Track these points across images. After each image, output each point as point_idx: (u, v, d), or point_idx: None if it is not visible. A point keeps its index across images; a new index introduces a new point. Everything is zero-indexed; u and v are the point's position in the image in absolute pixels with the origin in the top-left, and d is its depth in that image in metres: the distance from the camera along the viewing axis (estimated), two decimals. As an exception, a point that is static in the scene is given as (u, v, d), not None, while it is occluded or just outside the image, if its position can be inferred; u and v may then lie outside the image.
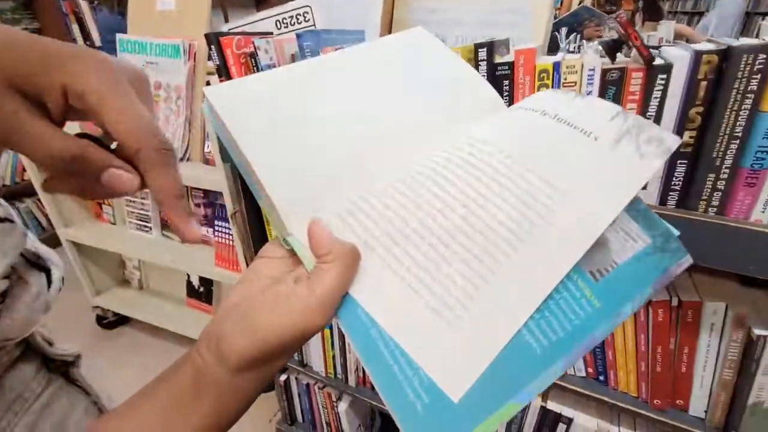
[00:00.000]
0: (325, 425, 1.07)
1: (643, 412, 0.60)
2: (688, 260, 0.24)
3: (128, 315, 1.54)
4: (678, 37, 1.78)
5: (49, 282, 0.28)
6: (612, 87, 0.48)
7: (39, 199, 1.93)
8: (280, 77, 0.27)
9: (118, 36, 1.18)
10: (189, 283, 1.47)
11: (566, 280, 0.22)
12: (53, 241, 1.99)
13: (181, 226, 0.21)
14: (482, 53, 0.51)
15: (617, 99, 0.48)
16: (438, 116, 0.28)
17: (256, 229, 0.84)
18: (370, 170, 0.25)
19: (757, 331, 0.50)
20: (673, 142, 0.23)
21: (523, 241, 0.22)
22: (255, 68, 0.66)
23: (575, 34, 1.09)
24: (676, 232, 0.24)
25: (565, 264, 0.22)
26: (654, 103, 0.46)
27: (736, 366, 0.53)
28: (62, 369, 0.30)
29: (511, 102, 0.53)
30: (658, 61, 0.45)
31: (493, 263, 0.22)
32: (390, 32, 0.85)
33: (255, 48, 0.64)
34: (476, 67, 0.52)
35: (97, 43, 1.94)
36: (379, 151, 0.26)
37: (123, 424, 0.20)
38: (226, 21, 3.13)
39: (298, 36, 0.62)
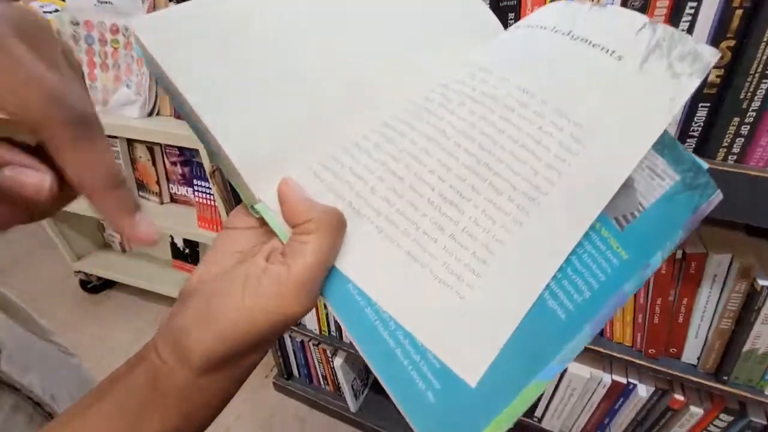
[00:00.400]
0: (321, 379, 1.09)
1: (636, 360, 0.61)
2: (718, 196, 0.22)
3: (113, 279, 1.51)
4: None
5: None
6: (632, 18, 0.42)
7: None
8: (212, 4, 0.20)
9: None
10: (173, 245, 1.43)
11: (590, 232, 0.19)
12: None
13: (121, 222, 0.15)
14: (485, -21, 0.44)
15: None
16: (430, 41, 0.23)
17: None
18: (350, 111, 0.20)
19: (761, 282, 0.49)
20: (711, 55, 0.19)
21: (540, 191, 0.18)
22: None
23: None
24: (705, 165, 0.21)
25: (589, 214, 0.18)
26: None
27: (734, 316, 0.53)
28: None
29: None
30: (687, -14, 0.39)
31: (506, 220, 0.18)
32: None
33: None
34: None
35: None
36: (359, 86, 0.21)
37: None
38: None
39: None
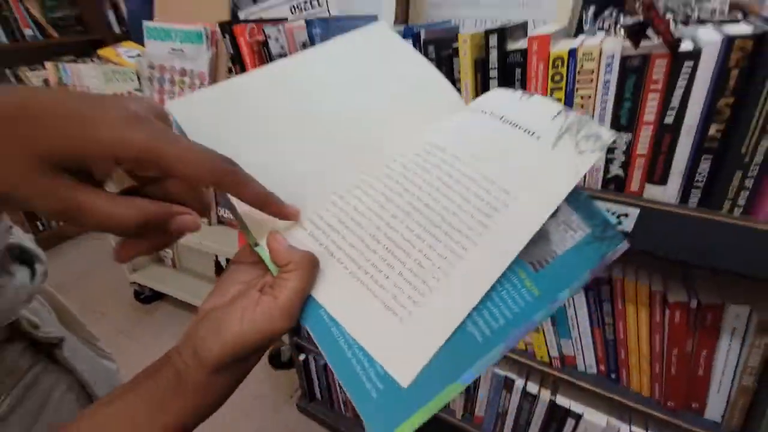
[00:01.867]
0: (342, 404, 1.11)
1: (656, 413, 0.58)
2: (624, 246, 0.25)
3: (163, 291, 1.64)
4: (734, 7, 1.62)
5: (33, 275, 0.31)
6: (633, 75, 0.44)
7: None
8: (240, 85, 0.27)
9: (145, 23, 1.21)
10: (217, 263, 1.54)
11: (508, 272, 0.23)
12: (53, 241, 2.13)
13: (285, 211, 0.23)
14: (493, 40, 0.49)
15: (638, 88, 0.45)
16: (399, 118, 0.29)
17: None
18: (330, 177, 0.26)
19: (783, 339, 0.47)
20: (609, 137, 0.24)
21: (469, 239, 0.23)
22: (267, 57, 0.67)
23: (614, 9, 1.01)
24: (614, 221, 0.25)
25: (505, 260, 0.23)
26: (678, 93, 0.42)
27: (756, 373, 0.50)
28: (48, 351, 0.33)
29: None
30: (685, 47, 0.41)
31: (441, 262, 0.23)
32: (407, 15, 0.82)
33: (266, 36, 0.64)
34: (487, 54, 0.50)
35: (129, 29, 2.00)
36: (340, 156, 0.26)
37: (110, 409, 0.22)
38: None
39: (308, 23, 0.61)
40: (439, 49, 0.53)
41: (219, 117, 0.25)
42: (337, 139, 0.27)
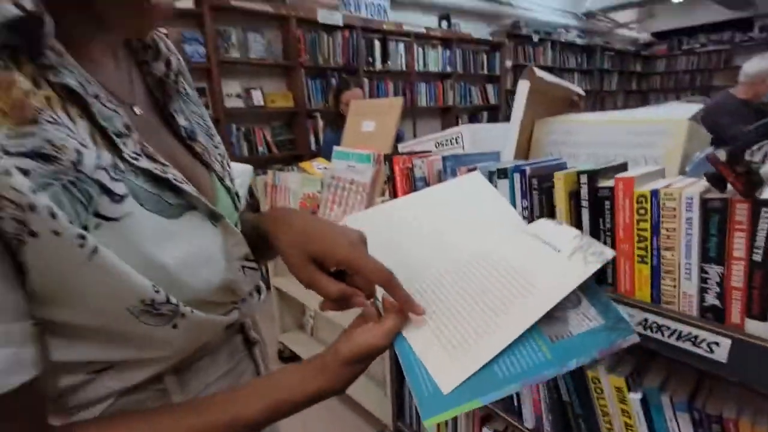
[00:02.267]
0: None
1: None
2: (634, 338, 0.32)
3: (300, 354, 1.91)
4: None
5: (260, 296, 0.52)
6: (716, 214, 0.50)
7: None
8: (386, 209, 0.47)
9: (335, 147, 1.68)
10: (345, 338, 1.76)
11: (530, 337, 0.33)
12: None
13: (415, 309, 0.38)
14: (583, 179, 0.61)
15: (722, 227, 0.49)
16: (478, 234, 0.44)
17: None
18: (428, 269, 0.42)
19: None
20: (610, 254, 0.35)
21: (502, 311, 0.35)
22: (412, 179, 0.91)
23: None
24: (627, 317, 0.32)
25: (523, 326, 0.33)
26: (762, 236, 0.46)
27: None
28: (249, 347, 0.51)
29: (612, 223, 0.59)
30: (766, 193, 0.46)
31: (481, 323, 0.35)
32: (528, 151, 0.99)
33: (413, 165, 0.89)
34: (578, 190, 0.61)
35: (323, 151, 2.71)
36: (436, 258, 0.43)
37: (276, 375, 0.39)
38: (415, 131, 3.80)
39: (443, 158, 0.83)
40: (541, 182, 0.67)
41: (373, 227, 0.45)
42: (437, 248, 0.43)
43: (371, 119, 1.64)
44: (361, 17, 3.33)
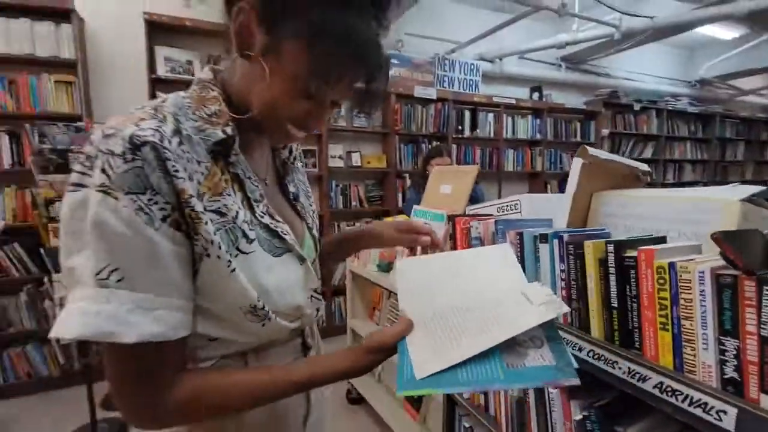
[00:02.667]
0: None
1: None
2: (575, 381, 0.41)
3: (366, 397, 2.01)
4: None
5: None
6: (728, 289, 0.54)
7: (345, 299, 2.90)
8: (429, 260, 0.63)
9: (414, 206, 1.88)
10: (408, 388, 1.82)
11: (492, 360, 0.44)
12: (341, 329, 2.87)
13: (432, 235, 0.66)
14: (610, 248, 0.68)
15: (734, 303, 0.53)
16: (484, 288, 0.57)
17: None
18: (443, 300, 0.55)
19: None
20: (566, 309, 0.46)
21: (477, 334, 0.47)
22: (468, 236, 1.04)
23: None
24: (575, 364, 0.41)
25: (488, 344, 0.45)
26: (767, 312, 0.50)
27: None
28: (305, 351, 0.65)
29: (637, 290, 0.65)
30: (773, 275, 0.50)
31: (460, 340, 0.47)
32: (585, 222, 1.05)
33: (470, 226, 1.02)
34: (606, 258, 0.69)
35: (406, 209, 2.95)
36: (451, 295, 0.56)
37: (315, 359, 0.55)
38: (500, 193, 3.87)
39: (496, 221, 0.96)
40: (576, 248, 0.75)
41: (418, 269, 0.62)
42: (454, 289, 0.57)
43: (449, 183, 1.82)
44: (453, 91, 3.67)
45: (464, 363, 0.45)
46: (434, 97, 3.50)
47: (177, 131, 0.46)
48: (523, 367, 0.43)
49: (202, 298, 0.48)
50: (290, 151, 0.66)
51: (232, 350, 0.53)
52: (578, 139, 4.34)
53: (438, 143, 3.47)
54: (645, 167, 1.11)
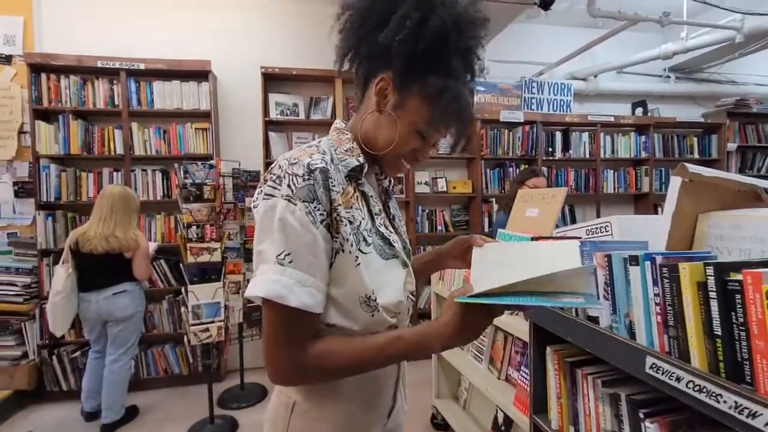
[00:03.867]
0: None
1: None
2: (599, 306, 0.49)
3: (451, 424, 1.99)
4: None
5: None
6: None
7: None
8: (504, 247, 0.69)
9: (499, 229, 1.87)
10: (495, 419, 1.76)
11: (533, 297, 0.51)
12: None
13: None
14: (710, 271, 0.64)
15: None
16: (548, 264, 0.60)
17: (541, 385, 1.08)
18: (510, 274, 0.57)
19: None
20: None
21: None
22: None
23: None
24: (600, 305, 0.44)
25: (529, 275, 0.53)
26: None
27: None
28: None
29: (745, 317, 0.59)
30: None
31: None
32: (690, 243, 0.96)
33: (555, 249, 1.01)
34: (705, 281, 0.64)
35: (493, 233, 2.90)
36: (517, 272, 0.58)
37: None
38: (598, 216, 3.59)
39: (581, 242, 0.93)
40: (671, 271, 0.71)
41: (492, 253, 0.67)
42: (520, 269, 0.60)
43: (535, 206, 1.78)
44: (542, 113, 3.56)
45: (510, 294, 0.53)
46: (521, 120, 3.44)
47: (332, 160, 0.63)
48: (556, 299, 0.52)
49: (331, 286, 0.61)
50: (390, 181, 0.81)
51: (345, 332, 0.64)
52: (696, 155, 3.82)
53: (528, 166, 3.38)
54: (764, 184, 0.98)
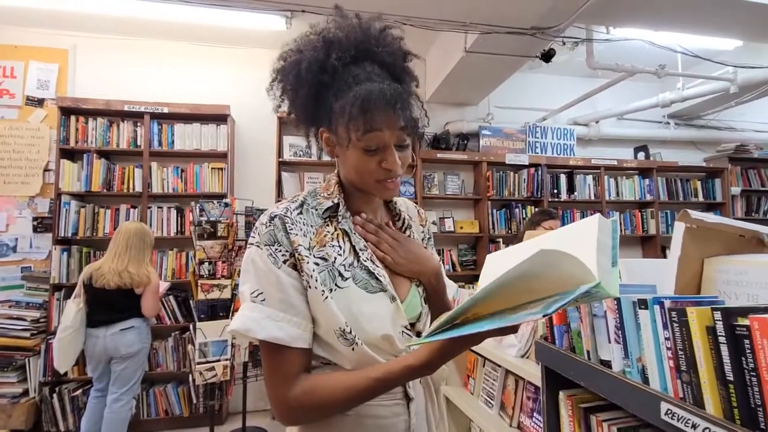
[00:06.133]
0: None
1: None
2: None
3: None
4: None
5: None
6: None
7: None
8: (510, 251, 0.67)
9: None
10: (507, 468, 1.68)
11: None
12: None
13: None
14: (717, 315, 0.66)
15: None
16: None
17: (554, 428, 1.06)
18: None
19: None
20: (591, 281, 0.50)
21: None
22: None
23: None
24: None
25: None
26: None
27: None
28: (407, 401, 0.71)
29: (755, 363, 0.61)
30: None
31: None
32: (698, 288, 0.97)
33: (564, 291, 1.03)
34: (714, 325, 0.66)
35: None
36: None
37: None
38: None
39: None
40: (680, 315, 0.73)
41: (498, 260, 0.66)
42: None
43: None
44: (546, 156, 3.66)
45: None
46: (526, 162, 3.53)
47: (300, 206, 0.69)
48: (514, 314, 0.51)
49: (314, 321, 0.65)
50: (400, 215, 0.83)
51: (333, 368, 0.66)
52: (700, 199, 3.87)
53: (534, 207, 3.43)
54: (765, 229, 1.01)
